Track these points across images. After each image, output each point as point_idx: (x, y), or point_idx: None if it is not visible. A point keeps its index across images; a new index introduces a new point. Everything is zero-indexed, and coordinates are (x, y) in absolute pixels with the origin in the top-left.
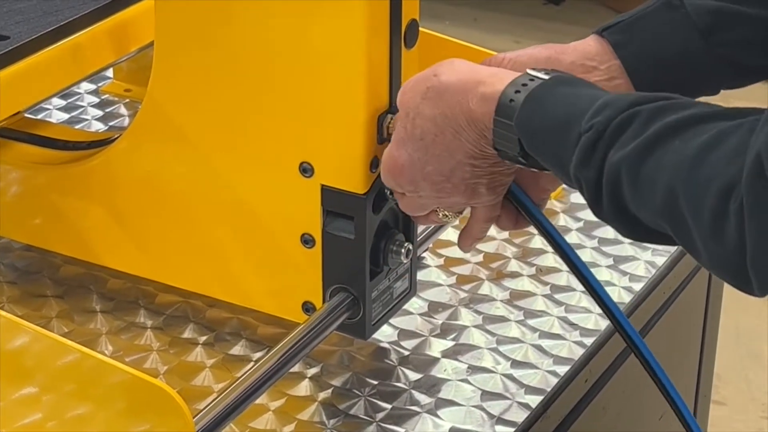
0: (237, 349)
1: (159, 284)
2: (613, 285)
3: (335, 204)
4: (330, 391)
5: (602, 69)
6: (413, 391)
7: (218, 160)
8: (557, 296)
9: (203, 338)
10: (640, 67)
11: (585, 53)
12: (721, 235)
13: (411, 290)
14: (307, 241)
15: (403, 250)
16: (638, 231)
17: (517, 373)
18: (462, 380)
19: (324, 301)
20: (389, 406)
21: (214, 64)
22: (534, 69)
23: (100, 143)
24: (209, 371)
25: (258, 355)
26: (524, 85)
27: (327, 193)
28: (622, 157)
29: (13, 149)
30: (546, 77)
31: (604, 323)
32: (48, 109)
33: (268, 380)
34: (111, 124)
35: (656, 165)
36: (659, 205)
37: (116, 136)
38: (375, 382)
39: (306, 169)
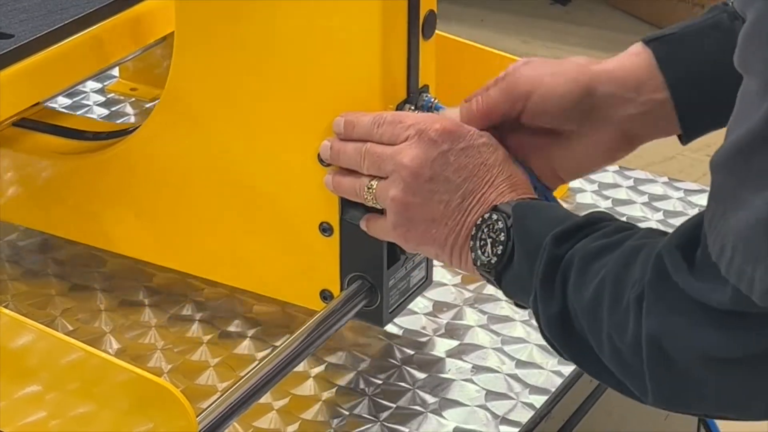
0: (243, 348)
1: (164, 282)
2: None
3: None
4: (334, 390)
5: (640, 101)
6: (418, 391)
7: (237, 149)
8: None
9: (207, 337)
10: (685, 88)
11: (624, 83)
12: (625, 326)
13: (427, 279)
14: (325, 229)
15: None
16: (568, 334)
17: (521, 372)
18: (466, 380)
19: (342, 289)
20: (393, 406)
21: (232, 55)
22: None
23: (120, 133)
24: (213, 370)
25: (262, 354)
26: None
27: None
28: (582, 246)
29: (33, 139)
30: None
31: None
32: (53, 107)
33: (275, 376)
34: (117, 122)
35: (602, 264)
36: (590, 299)
37: (136, 127)
38: (379, 382)
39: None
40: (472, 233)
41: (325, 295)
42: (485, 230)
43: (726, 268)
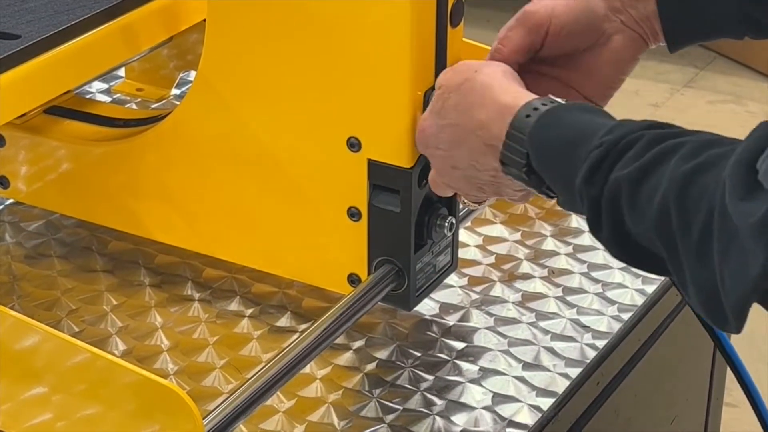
0: (248, 349)
1: (165, 263)
2: (626, 287)
3: (382, 178)
4: (340, 392)
5: (641, 6)
6: (425, 393)
7: (267, 135)
8: (569, 298)
9: (214, 338)
10: (674, 15)
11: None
12: (706, 255)
13: (452, 264)
14: (353, 214)
15: (446, 224)
16: (634, 255)
17: (528, 375)
18: (473, 382)
19: (369, 273)
20: (400, 408)
21: (263, 42)
22: (553, 96)
23: (151, 120)
24: (219, 372)
25: (268, 356)
26: (543, 104)
27: (374, 167)
28: (623, 174)
29: (64, 127)
30: (565, 102)
31: (616, 325)
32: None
33: (285, 374)
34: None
35: (654, 183)
36: (654, 222)
37: (167, 113)
38: (385, 383)
39: (353, 144)
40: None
41: (353, 279)
42: (516, 180)
43: (764, 174)
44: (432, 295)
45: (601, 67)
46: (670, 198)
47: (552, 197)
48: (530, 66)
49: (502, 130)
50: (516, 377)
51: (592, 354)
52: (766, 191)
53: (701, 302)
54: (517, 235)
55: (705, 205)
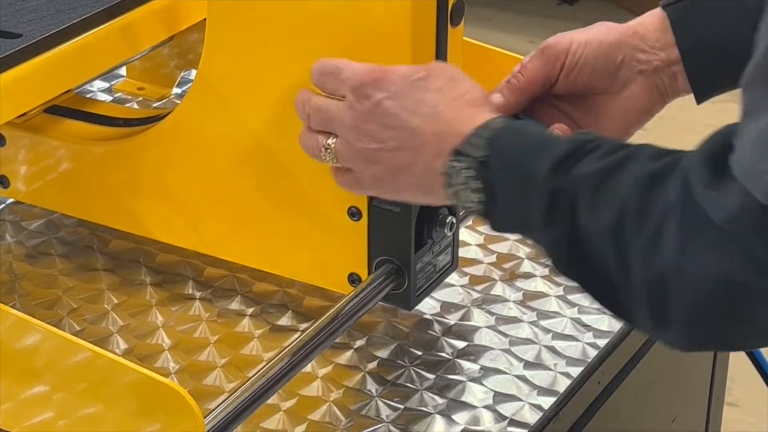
0: (249, 348)
1: (166, 262)
2: None
3: None
4: (341, 391)
5: (662, 55)
6: (425, 392)
7: (267, 134)
8: (570, 297)
9: (215, 337)
10: (695, 53)
11: (645, 37)
12: (659, 246)
13: (453, 264)
14: (353, 214)
15: (446, 223)
16: (580, 260)
17: (529, 374)
18: (474, 381)
19: (369, 273)
20: (401, 407)
21: (263, 42)
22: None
23: (151, 119)
24: (221, 371)
25: (269, 354)
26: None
27: None
28: (588, 171)
29: (65, 126)
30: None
31: (617, 325)
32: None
33: (287, 374)
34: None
35: (616, 184)
36: (613, 218)
37: (167, 113)
38: (386, 382)
39: None
40: (443, 181)
41: (353, 279)
42: (454, 178)
43: (738, 166)
44: (433, 293)
45: (613, 115)
46: (632, 195)
47: (477, 208)
48: (546, 98)
49: (474, 124)
50: (517, 376)
51: (593, 353)
52: (735, 182)
53: (647, 291)
54: (518, 235)
55: (664, 199)
